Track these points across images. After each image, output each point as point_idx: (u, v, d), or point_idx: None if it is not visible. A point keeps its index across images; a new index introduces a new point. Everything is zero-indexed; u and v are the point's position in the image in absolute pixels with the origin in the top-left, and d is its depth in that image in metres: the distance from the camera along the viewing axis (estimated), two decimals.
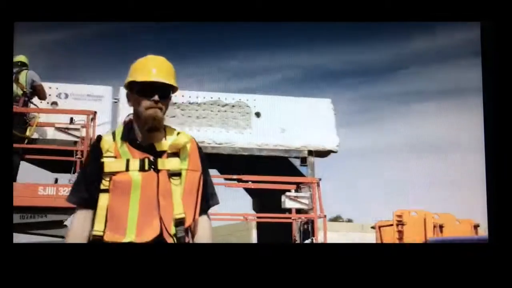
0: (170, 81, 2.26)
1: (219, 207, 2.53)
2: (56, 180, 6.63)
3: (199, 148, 2.34)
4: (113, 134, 2.29)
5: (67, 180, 6.57)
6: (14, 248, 2.41)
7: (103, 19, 2.97)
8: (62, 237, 6.28)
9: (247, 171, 7.55)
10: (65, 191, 6.23)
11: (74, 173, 6.53)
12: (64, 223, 6.47)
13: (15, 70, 6.91)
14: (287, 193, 7.32)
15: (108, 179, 2.20)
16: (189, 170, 2.27)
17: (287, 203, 7.25)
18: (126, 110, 2.56)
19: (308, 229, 7.19)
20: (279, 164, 7.96)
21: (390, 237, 8.75)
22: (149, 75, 2.23)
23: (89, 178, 2.23)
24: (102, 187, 2.19)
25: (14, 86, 6.75)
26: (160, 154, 2.24)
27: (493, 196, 2.71)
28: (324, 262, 2.31)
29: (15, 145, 6.38)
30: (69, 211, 6.15)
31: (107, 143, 2.24)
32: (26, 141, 6.87)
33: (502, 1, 2.84)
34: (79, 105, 7.44)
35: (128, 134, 2.27)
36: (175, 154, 2.28)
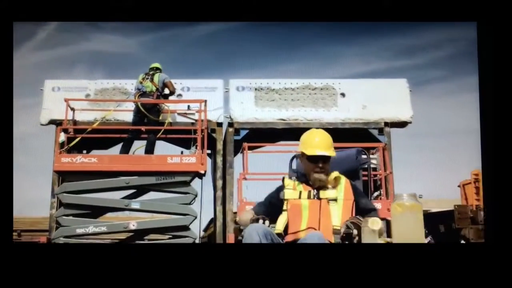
0: (330, 152, 3.07)
1: None
2: (182, 152, 8.52)
3: (352, 184, 3.16)
4: (290, 177, 3.31)
5: (188, 151, 8.43)
6: (14, 248, 2.46)
7: (103, 19, 3.07)
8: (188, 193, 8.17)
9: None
10: (188, 160, 8.09)
11: (193, 146, 8.36)
12: (188, 182, 8.16)
13: (150, 72, 8.73)
14: None
15: (286, 202, 3.10)
16: (344, 199, 3.04)
17: None
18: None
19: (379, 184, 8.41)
20: (360, 134, 9.27)
21: (470, 192, 10.52)
22: (314, 150, 3.06)
23: (269, 201, 3.23)
24: (283, 207, 3.10)
25: (150, 84, 8.56)
26: (322, 187, 3.08)
27: (491, 197, 2.77)
28: (324, 262, 2.45)
29: (152, 127, 8.44)
30: (191, 173, 8.08)
31: (287, 181, 3.20)
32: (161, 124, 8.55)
33: (498, 2, 2.86)
34: (198, 96, 9.13)
35: (302, 177, 3.20)
36: (333, 187, 3.08)
